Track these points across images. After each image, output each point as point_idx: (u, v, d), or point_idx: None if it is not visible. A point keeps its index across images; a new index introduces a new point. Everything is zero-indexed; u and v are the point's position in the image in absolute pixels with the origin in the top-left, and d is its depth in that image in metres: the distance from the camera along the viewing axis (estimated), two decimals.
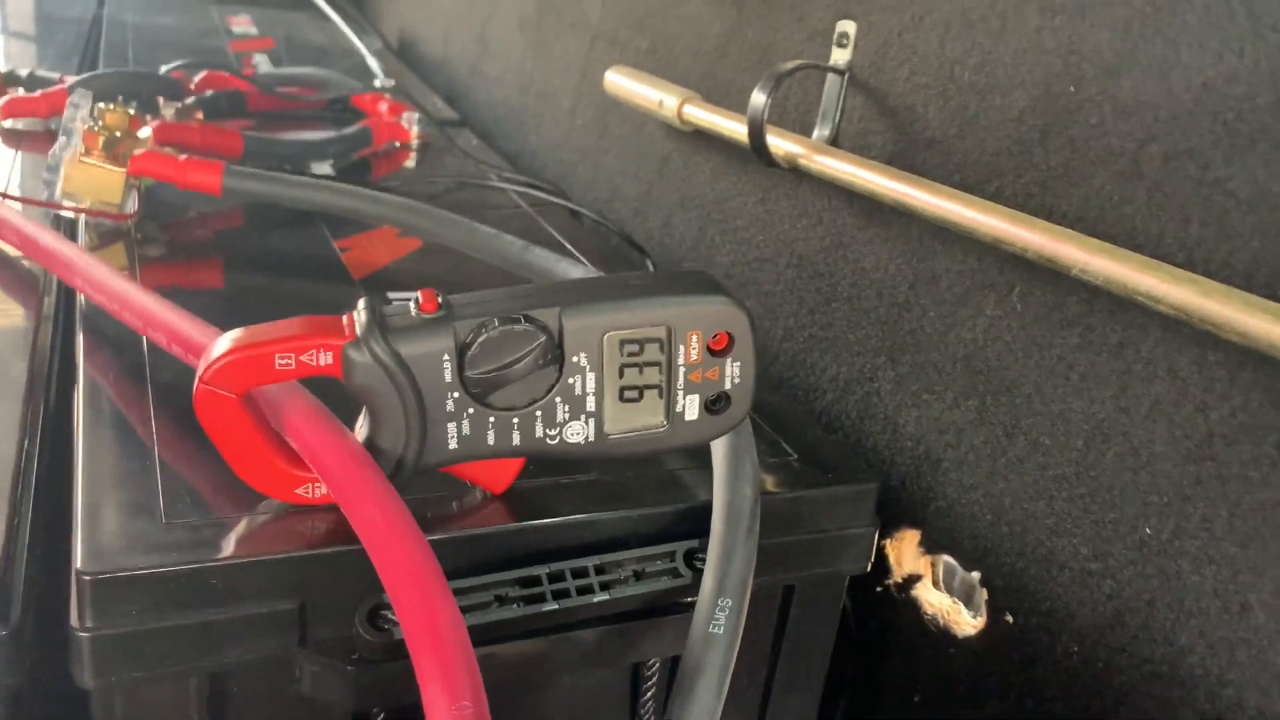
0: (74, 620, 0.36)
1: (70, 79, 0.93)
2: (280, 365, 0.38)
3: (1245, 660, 0.41)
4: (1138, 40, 0.45)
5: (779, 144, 0.62)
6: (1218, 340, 0.41)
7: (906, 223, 0.58)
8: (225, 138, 0.79)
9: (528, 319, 0.38)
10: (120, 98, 0.70)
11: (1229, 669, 0.42)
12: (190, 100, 0.90)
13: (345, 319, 0.38)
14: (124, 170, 0.66)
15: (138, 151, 0.67)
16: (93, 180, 0.65)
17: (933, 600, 0.54)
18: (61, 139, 0.66)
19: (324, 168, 0.86)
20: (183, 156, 0.67)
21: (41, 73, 0.97)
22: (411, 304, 0.38)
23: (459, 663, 0.32)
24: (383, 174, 0.90)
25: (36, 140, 0.85)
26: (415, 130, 0.96)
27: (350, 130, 0.91)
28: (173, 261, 0.65)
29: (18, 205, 0.63)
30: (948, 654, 0.54)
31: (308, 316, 0.39)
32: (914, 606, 0.55)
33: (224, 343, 0.38)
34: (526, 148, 1.11)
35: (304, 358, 0.38)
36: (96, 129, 0.66)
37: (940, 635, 0.54)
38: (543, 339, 0.38)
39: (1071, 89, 0.48)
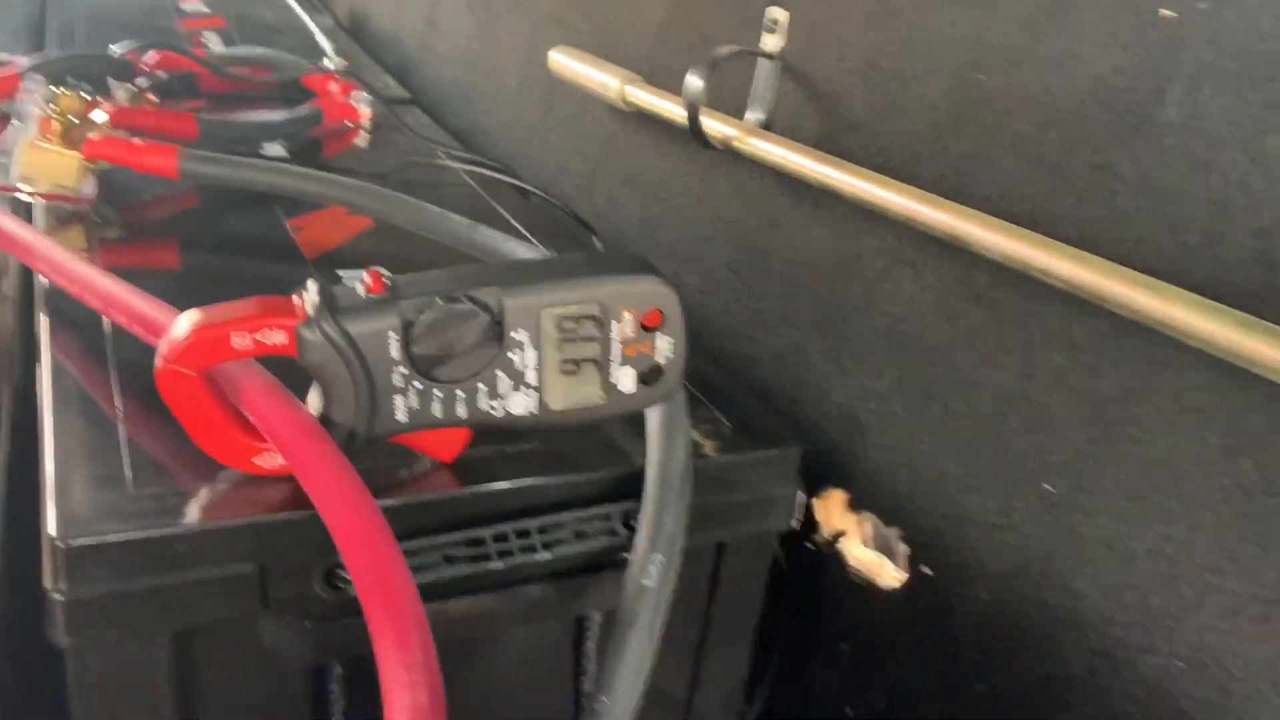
0: (48, 584, 0.38)
1: (20, 60, 0.93)
2: (237, 344, 0.40)
3: (1131, 603, 0.45)
4: (1038, 34, 0.49)
5: (715, 127, 0.64)
6: (1106, 312, 0.44)
7: (833, 203, 0.61)
8: (180, 121, 0.80)
9: (469, 298, 0.41)
10: (71, 80, 0.71)
11: (1116, 611, 0.46)
12: (142, 81, 0.90)
13: (297, 299, 0.41)
14: (80, 154, 0.67)
15: (93, 135, 0.68)
16: (49, 164, 0.66)
17: (858, 555, 0.58)
18: (15, 123, 0.67)
19: (276, 148, 0.87)
20: (138, 140, 0.68)
21: None
22: (359, 284, 0.41)
23: (409, 617, 0.35)
24: (334, 153, 0.91)
25: None
26: (365, 109, 0.97)
27: (301, 111, 0.92)
28: (131, 243, 0.66)
29: None
30: (873, 605, 0.58)
31: (262, 297, 0.41)
32: (842, 562, 0.59)
33: (184, 324, 0.41)
34: (476, 125, 1.13)
35: (259, 337, 0.40)
36: (51, 114, 0.67)
37: (866, 588, 0.58)
38: (484, 317, 0.41)
39: (981, 78, 0.52)
